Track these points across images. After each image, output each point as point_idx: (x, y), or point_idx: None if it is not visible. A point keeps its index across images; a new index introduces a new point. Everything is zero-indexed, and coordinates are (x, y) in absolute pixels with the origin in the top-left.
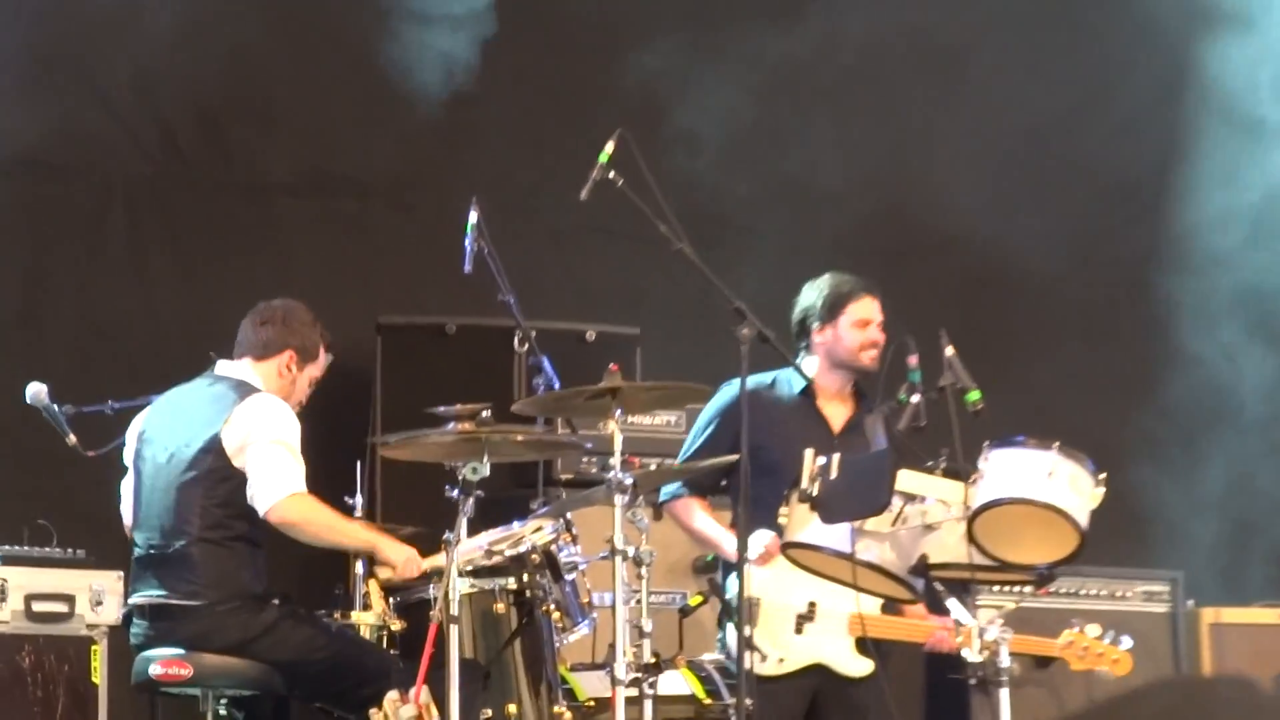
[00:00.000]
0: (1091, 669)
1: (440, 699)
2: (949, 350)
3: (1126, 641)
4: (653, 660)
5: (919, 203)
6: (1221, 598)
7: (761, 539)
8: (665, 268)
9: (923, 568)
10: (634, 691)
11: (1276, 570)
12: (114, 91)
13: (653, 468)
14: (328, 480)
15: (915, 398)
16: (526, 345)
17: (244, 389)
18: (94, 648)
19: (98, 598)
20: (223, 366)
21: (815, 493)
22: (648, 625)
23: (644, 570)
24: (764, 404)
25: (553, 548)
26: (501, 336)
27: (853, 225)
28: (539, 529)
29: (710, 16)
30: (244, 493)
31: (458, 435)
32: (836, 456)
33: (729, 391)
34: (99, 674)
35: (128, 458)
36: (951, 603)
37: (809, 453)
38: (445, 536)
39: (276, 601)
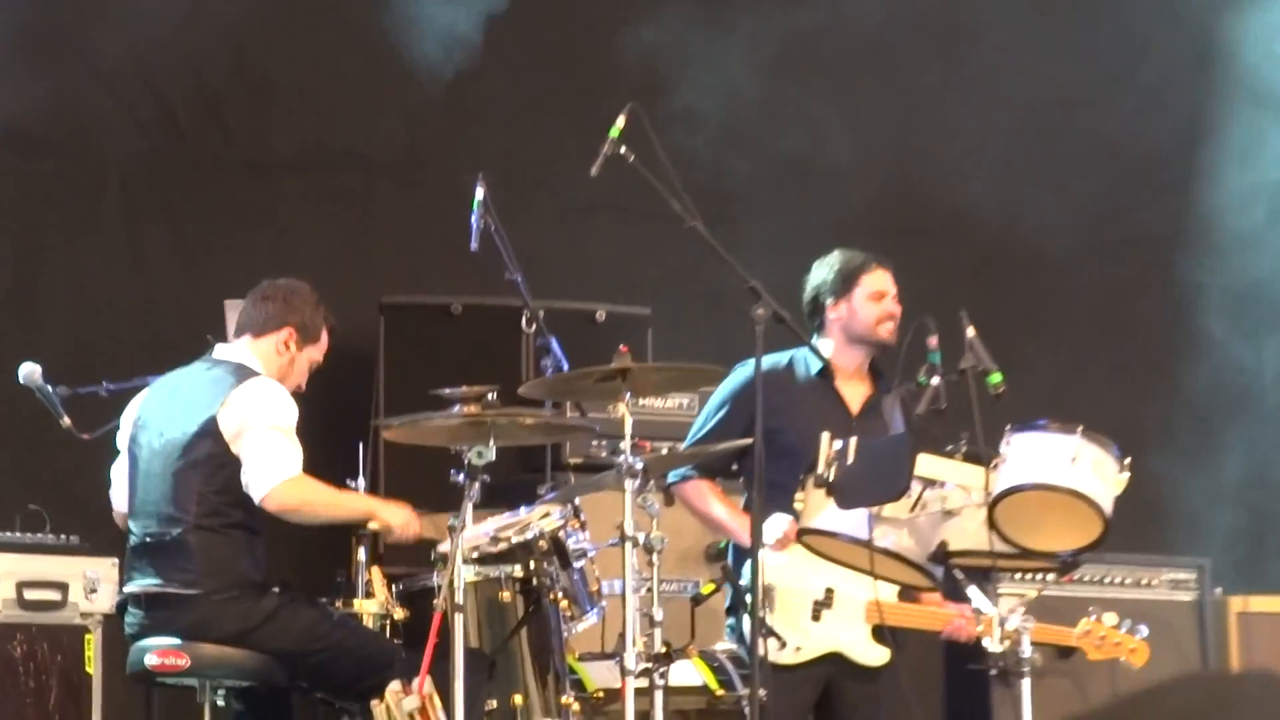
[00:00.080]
0: (1109, 659)
1: (444, 690)
2: (970, 331)
3: (1143, 630)
4: (664, 650)
5: (929, 181)
6: (1242, 587)
7: (779, 524)
8: (677, 246)
9: (942, 555)
10: (644, 682)
11: None
12: (109, 65)
13: (664, 452)
14: (329, 464)
15: (935, 380)
16: (534, 326)
17: (242, 372)
18: (88, 637)
19: (92, 585)
20: (221, 350)
21: (832, 477)
22: (658, 614)
23: (655, 557)
24: (780, 385)
25: (561, 534)
26: (508, 316)
27: (860, 204)
28: (546, 515)
29: None
30: (241, 479)
31: (463, 418)
32: (854, 440)
33: (743, 372)
34: (93, 664)
35: (121, 442)
36: (972, 591)
37: (825, 436)
38: (450, 522)
39: (276, 590)
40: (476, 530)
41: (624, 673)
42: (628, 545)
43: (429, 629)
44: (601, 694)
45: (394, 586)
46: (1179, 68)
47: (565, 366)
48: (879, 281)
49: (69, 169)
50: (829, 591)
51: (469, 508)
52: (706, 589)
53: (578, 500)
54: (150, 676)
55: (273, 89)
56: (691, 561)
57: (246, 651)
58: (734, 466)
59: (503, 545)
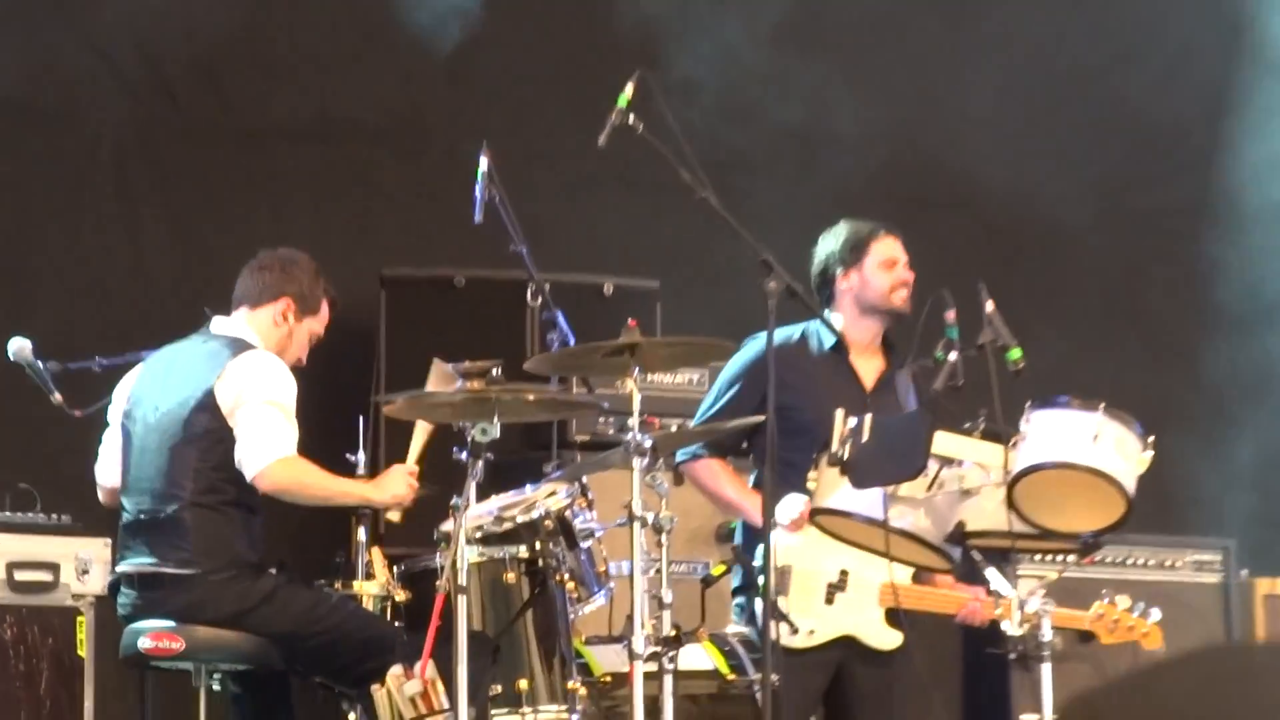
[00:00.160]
0: (1122, 642)
1: (447, 674)
2: (989, 305)
3: (1155, 614)
4: (673, 633)
5: (938, 153)
6: (1262, 570)
7: (794, 504)
8: (687, 217)
9: (959, 535)
10: (653, 666)
11: None
12: (102, 31)
13: (673, 429)
14: (329, 441)
15: (953, 355)
16: (540, 299)
17: (239, 345)
18: (80, 619)
19: (84, 566)
20: (218, 323)
21: (846, 456)
22: (668, 596)
23: (664, 538)
24: (793, 360)
25: (567, 514)
26: (513, 290)
27: (868, 176)
28: (552, 494)
29: None
30: (235, 455)
31: (467, 394)
32: (869, 417)
33: (754, 346)
34: (85, 647)
35: (113, 416)
36: (990, 572)
37: (839, 413)
38: (453, 502)
39: (273, 570)
40: (480, 509)
41: (632, 656)
42: (636, 525)
43: (431, 611)
44: (609, 678)
45: (395, 567)
46: (1200, 37)
47: (571, 341)
48: (889, 249)
49: (60, 139)
50: (843, 573)
51: (472, 486)
52: (717, 570)
53: (584, 479)
54: (144, 660)
55: (271, 56)
56: (701, 542)
57: (243, 634)
58: (744, 444)
59: (507, 525)
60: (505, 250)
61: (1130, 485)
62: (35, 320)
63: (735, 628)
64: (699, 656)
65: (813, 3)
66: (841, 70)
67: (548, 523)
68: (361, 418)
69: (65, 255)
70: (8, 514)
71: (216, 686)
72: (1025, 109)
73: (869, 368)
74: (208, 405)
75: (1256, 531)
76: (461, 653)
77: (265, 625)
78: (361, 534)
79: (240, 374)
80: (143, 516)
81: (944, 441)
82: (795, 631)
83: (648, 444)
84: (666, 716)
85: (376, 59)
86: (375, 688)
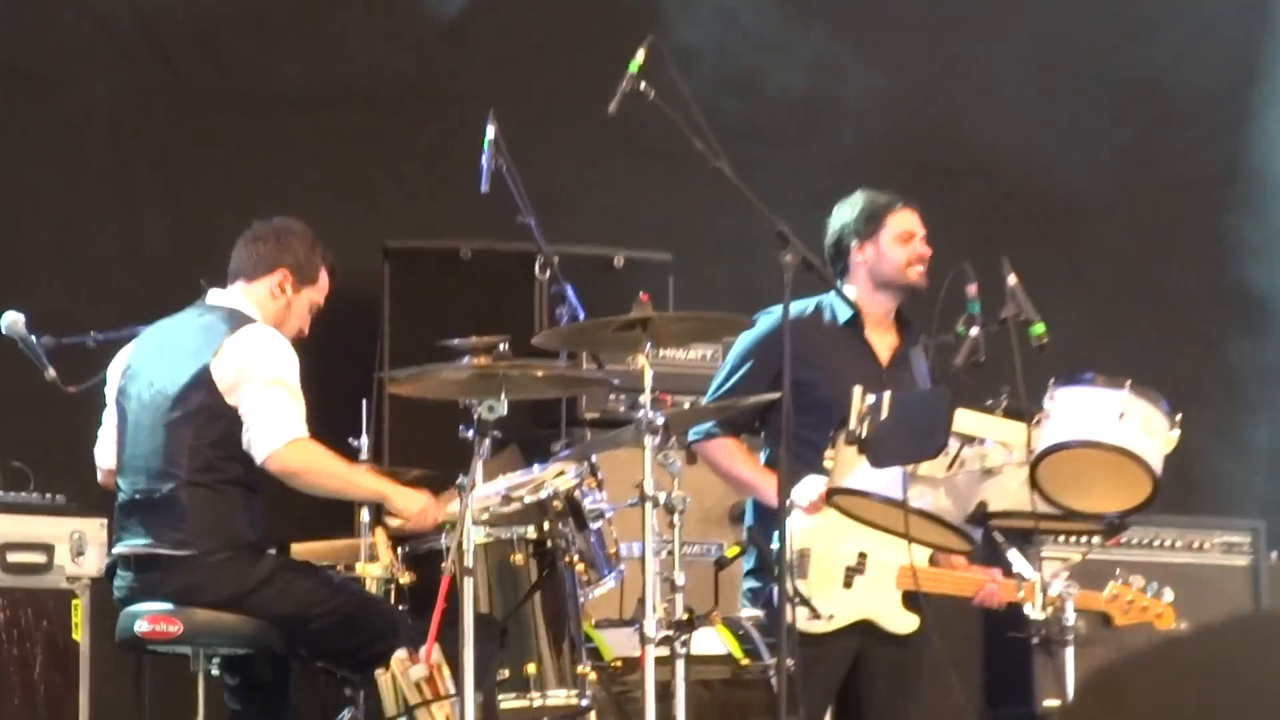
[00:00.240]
0: (1136, 624)
1: (453, 658)
2: (1012, 278)
3: (1168, 594)
4: (685, 617)
5: (952, 121)
6: None
7: (813, 485)
8: (700, 187)
9: (981, 516)
10: (665, 650)
11: None
12: None
13: (686, 406)
14: (331, 419)
15: (974, 330)
16: (548, 272)
17: (236, 319)
18: (75, 602)
19: (79, 547)
20: (214, 296)
21: (864, 434)
22: (680, 578)
23: (676, 518)
24: (808, 335)
25: (576, 494)
26: (521, 262)
27: (879, 145)
28: (561, 473)
29: None
30: (237, 432)
31: (473, 370)
32: (888, 394)
33: (768, 321)
34: (80, 630)
35: (109, 394)
36: (1013, 554)
37: (857, 390)
38: (459, 481)
39: (273, 551)
40: (487, 489)
41: (643, 640)
42: (647, 505)
43: (437, 594)
44: (619, 663)
45: (399, 549)
46: (1225, 6)
47: (581, 315)
48: (906, 221)
49: (54, 107)
50: (861, 556)
51: (479, 465)
52: (731, 552)
53: (594, 458)
54: (141, 644)
55: (271, 22)
56: (715, 523)
57: (242, 617)
58: (756, 422)
59: (515, 505)
60: (512, 221)
61: (1157, 465)
62: (28, 294)
63: (749, 611)
64: (712, 641)
65: None
66: (854, 36)
67: (557, 503)
68: (365, 399)
69: (60, 227)
70: (0, 494)
71: (215, 671)
72: (1045, 78)
73: (883, 343)
74: (203, 383)
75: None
76: (468, 636)
77: (265, 608)
78: (365, 515)
79: (238, 351)
80: (138, 496)
81: (965, 419)
82: (819, 616)
83: (660, 422)
84: (679, 702)
85: (380, 24)
86: (380, 672)
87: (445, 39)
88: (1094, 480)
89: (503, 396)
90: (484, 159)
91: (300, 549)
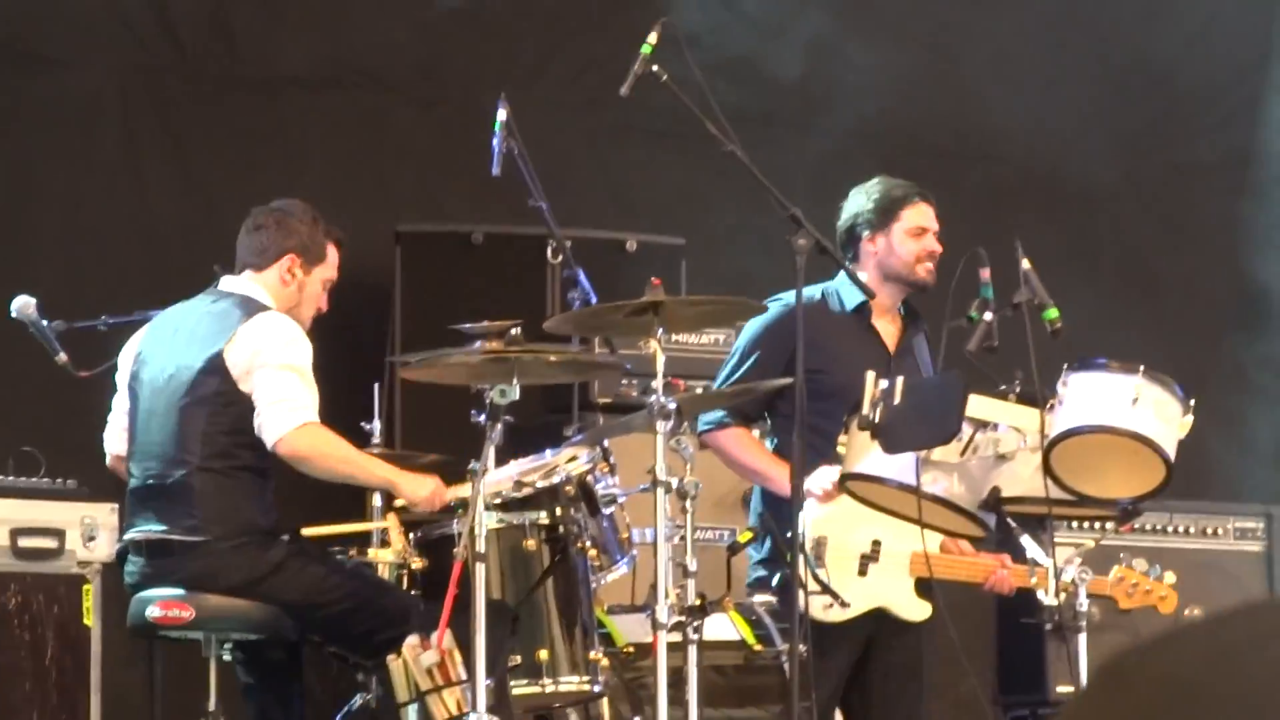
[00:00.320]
0: (1140, 607)
1: (465, 644)
2: (1025, 263)
3: (1170, 577)
4: (698, 602)
5: (961, 107)
6: None
7: (827, 475)
8: (713, 171)
9: (994, 502)
10: (677, 636)
11: None
12: None
13: (699, 391)
14: (343, 404)
15: (987, 315)
16: (560, 256)
17: (250, 305)
18: (86, 587)
19: (90, 532)
20: (227, 282)
21: (877, 419)
22: (692, 564)
23: (689, 503)
24: (817, 321)
25: (589, 479)
26: (533, 246)
27: (884, 130)
28: (574, 458)
29: None
30: (250, 419)
31: (485, 355)
32: (901, 380)
33: (775, 308)
34: (92, 616)
35: (120, 380)
36: (1026, 540)
37: (870, 375)
38: (471, 466)
39: (286, 537)
40: (499, 474)
41: (656, 626)
42: (660, 491)
43: (448, 579)
44: (632, 649)
45: (411, 534)
46: None
47: (593, 300)
48: (920, 216)
49: (63, 87)
50: (875, 544)
51: (491, 451)
52: (744, 538)
53: (607, 442)
54: (152, 629)
55: (282, 2)
56: (728, 508)
57: (254, 603)
58: (764, 411)
59: (527, 490)
60: (524, 205)
61: (1170, 450)
62: (39, 277)
63: (762, 597)
64: (724, 627)
65: None
66: (862, 18)
67: (569, 488)
68: (376, 384)
69: (70, 210)
70: (11, 478)
71: (227, 657)
72: (1054, 61)
73: (889, 331)
74: (217, 368)
75: None
76: (480, 622)
77: (277, 594)
78: (377, 500)
79: (251, 338)
80: (151, 482)
81: (978, 404)
82: (846, 605)
83: (672, 407)
84: (691, 688)
85: (391, 6)
86: (391, 658)
87: (457, 21)
88: (1107, 466)
89: (515, 381)
90: (496, 142)
91: (312, 532)
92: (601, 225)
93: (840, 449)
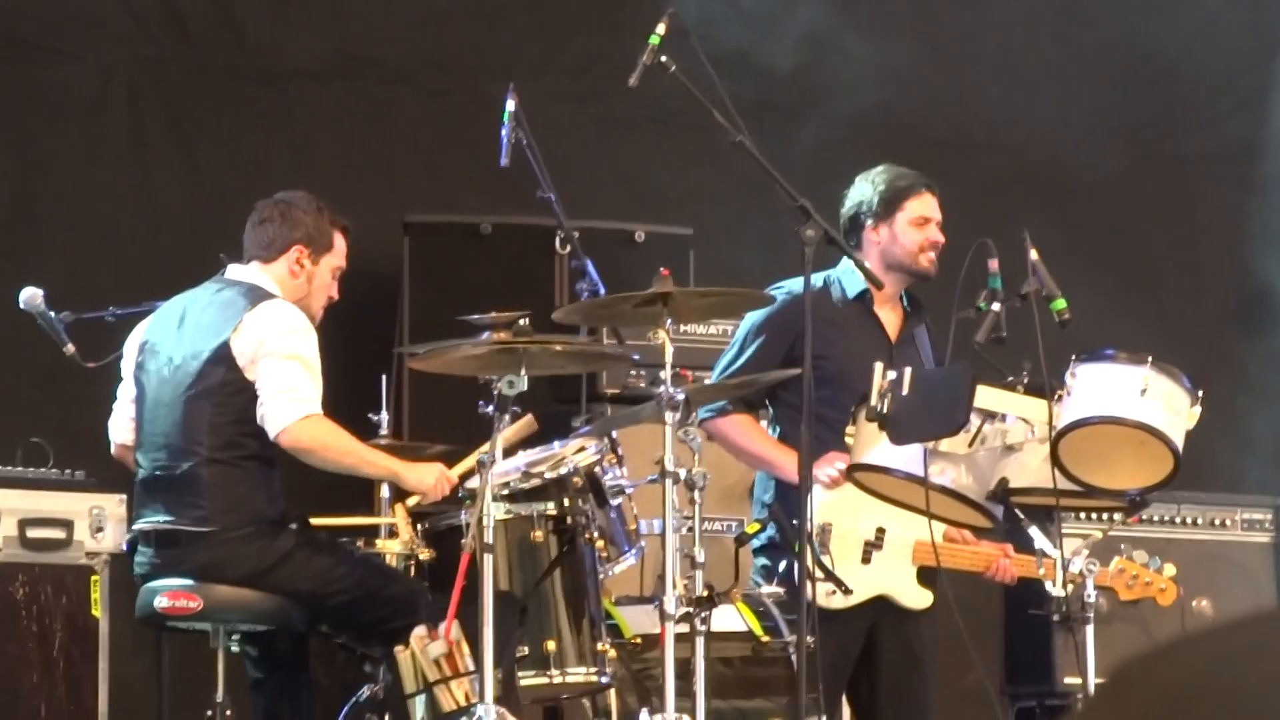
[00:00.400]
0: (1140, 599)
1: (472, 635)
2: (1033, 254)
3: (1170, 569)
4: (705, 593)
5: (966, 98)
6: None
7: (832, 462)
8: (721, 162)
9: (1002, 493)
10: (685, 627)
11: None
12: None
13: (707, 382)
14: (350, 394)
15: (996, 306)
16: (568, 247)
17: (256, 294)
18: (94, 578)
19: (98, 523)
20: (233, 270)
21: (885, 410)
22: (700, 555)
23: (697, 494)
24: (819, 311)
25: (596, 470)
26: (541, 237)
27: (883, 119)
28: (581, 449)
29: None
30: (256, 408)
31: (493, 346)
32: (909, 371)
33: (776, 296)
34: (100, 606)
35: (126, 370)
36: (1033, 531)
37: (879, 366)
38: (479, 458)
39: (294, 527)
40: (507, 465)
41: (663, 617)
42: (668, 482)
43: (456, 571)
44: (639, 640)
45: (419, 525)
46: None
47: (601, 290)
48: (924, 206)
49: (70, 77)
50: (879, 531)
51: (499, 441)
52: (751, 528)
53: (615, 433)
54: (160, 620)
55: None
56: (736, 499)
57: (262, 594)
58: (765, 399)
59: (535, 481)
60: (533, 196)
61: (1178, 441)
62: (47, 269)
63: (770, 589)
64: (732, 618)
65: None
66: (862, 8)
67: (577, 479)
68: (384, 375)
69: (77, 201)
70: (19, 469)
71: (235, 648)
72: (1062, 55)
73: (891, 320)
74: (223, 358)
75: None
76: (487, 613)
77: (285, 584)
78: (385, 490)
79: (257, 327)
80: (159, 473)
81: (986, 395)
82: (849, 592)
83: (680, 397)
84: (699, 679)
85: None
86: (399, 649)
87: (465, 11)
88: (1115, 457)
89: (523, 372)
90: (504, 132)
91: (319, 522)
92: (610, 216)
93: (848, 439)
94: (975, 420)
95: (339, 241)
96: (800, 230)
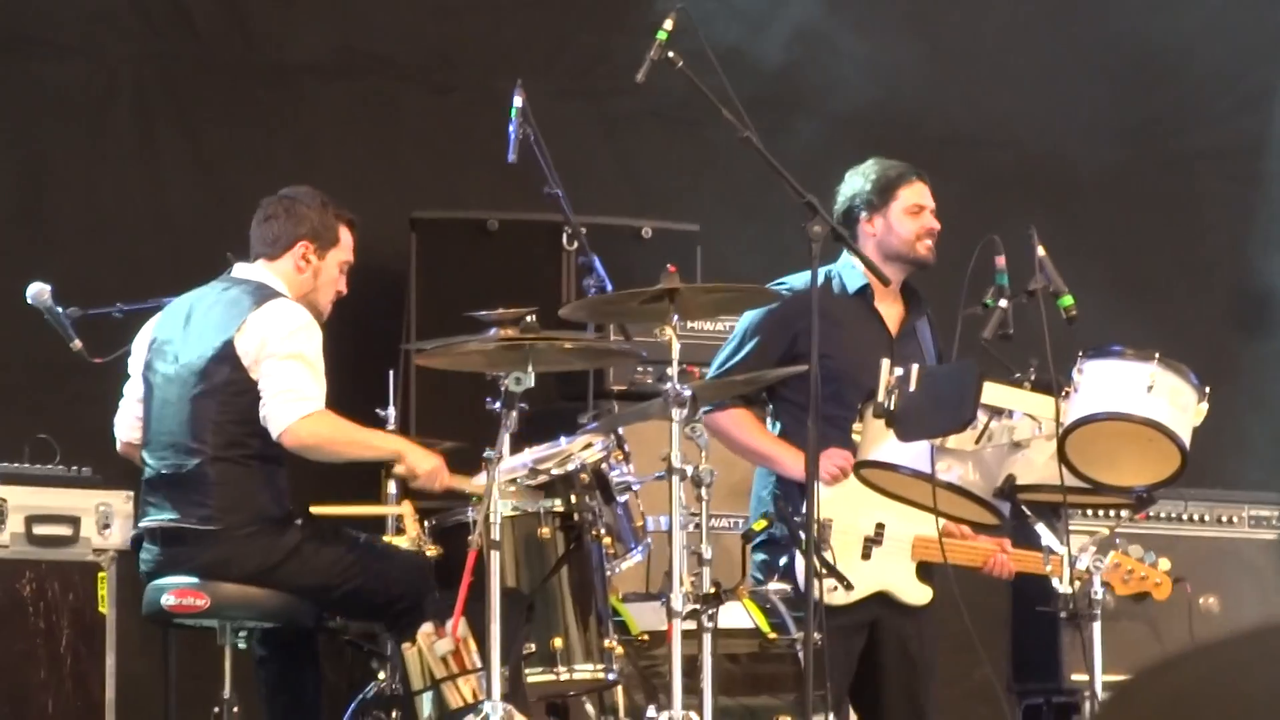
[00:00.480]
0: (1136, 594)
1: (479, 632)
2: (1040, 250)
3: (1165, 563)
4: (712, 590)
5: (960, 95)
6: None
7: (833, 457)
8: (728, 158)
9: (1009, 489)
10: (692, 624)
11: None
12: None
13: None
14: (357, 390)
15: (1003, 303)
16: (575, 243)
17: (262, 293)
18: (101, 575)
19: (105, 520)
20: (240, 269)
21: (892, 406)
22: (707, 552)
23: (703, 491)
24: (821, 305)
25: (603, 466)
26: (548, 233)
27: (888, 114)
28: (588, 446)
29: None
30: (260, 412)
31: (500, 342)
32: (916, 367)
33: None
34: (107, 603)
35: (134, 367)
36: (1040, 528)
37: (885, 363)
38: (486, 454)
39: (299, 522)
40: (514, 462)
41: (670, 614)
42: (675, 478)
43: (463, 568)
44: (646, 637)
45: (426, 522)
46: None
47: (609, 287)
48: (917, 194)
49: (77, 74)
50: (880, 527)
51: (506, 438)
52: (758, 525)
53: (621, 430)
54: (167, 617)
55: None
56: (742, 496)
57: (269, 590)
58: (763, 394)
59: (542, 478)
60: (540, 192)
61: (1185, 437)
62: (53, 264)
63: (776, 585)
64: (739, 614)
65: None
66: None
67: (584, 476)
68: (391, 371)
69: (84, 197)
70: (26, 466)
71: (241, 645)
72: (1060, 48)
73: (891, 314)
74: (228, 357)
75: None
76: (494, 610)
77: (292, 580)
78: (392, 488)
79: (261, 326)
80: (165, 471)
81: (993, 392)
82: (851, 587)
83: (687, 394)
84: (706, 676)
85: None
86: (406, 646)
87: (472, 8)
88: (1122, 453)
89: (530, 368)
90: (511, 128)
91: (322, 511)
92: (617, 212)
93: (855, 436)
94: (982, 417)
95: (345, 236)
96: (807, 226)
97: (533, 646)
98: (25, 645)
